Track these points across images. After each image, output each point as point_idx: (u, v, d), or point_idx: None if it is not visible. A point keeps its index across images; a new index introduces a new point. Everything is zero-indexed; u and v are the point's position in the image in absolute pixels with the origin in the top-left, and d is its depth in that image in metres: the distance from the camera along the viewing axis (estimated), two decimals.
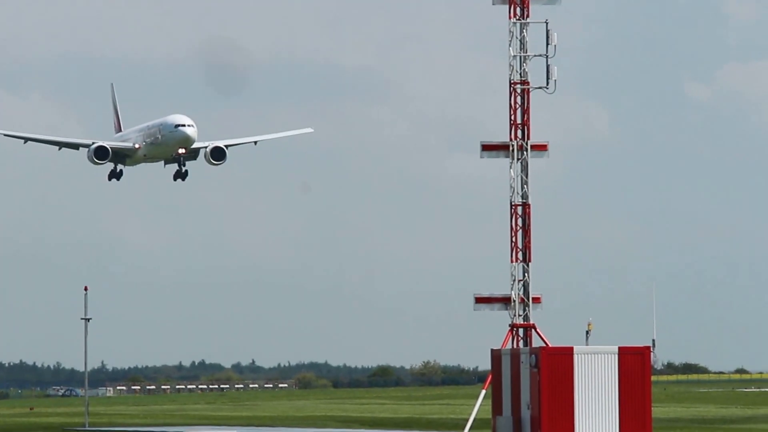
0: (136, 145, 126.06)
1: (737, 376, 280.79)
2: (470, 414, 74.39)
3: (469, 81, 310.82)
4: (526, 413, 66.89)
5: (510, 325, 70.54)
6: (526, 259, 68.80)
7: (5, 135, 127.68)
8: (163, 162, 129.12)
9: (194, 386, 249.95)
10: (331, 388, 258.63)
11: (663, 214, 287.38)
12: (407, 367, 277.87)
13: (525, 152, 67.29)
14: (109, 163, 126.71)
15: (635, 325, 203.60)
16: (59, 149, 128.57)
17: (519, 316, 70.29)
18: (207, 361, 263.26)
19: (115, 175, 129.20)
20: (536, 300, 70.56)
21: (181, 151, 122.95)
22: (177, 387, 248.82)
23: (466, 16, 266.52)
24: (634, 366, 67.04)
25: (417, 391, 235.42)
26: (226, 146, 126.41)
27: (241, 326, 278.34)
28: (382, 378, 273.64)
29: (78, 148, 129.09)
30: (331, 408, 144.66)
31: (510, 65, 67.36)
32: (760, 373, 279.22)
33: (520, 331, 70.60)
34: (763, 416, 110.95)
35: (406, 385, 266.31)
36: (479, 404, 72.94)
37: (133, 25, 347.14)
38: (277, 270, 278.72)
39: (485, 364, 72.00)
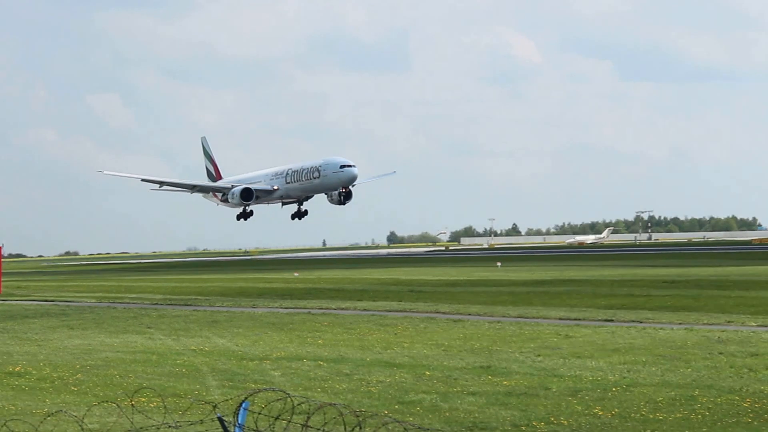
0: (275, 187, 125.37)
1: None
2: None
3: None
4: None
5: None
6: None
7: (143, 180, 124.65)
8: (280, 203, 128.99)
9: None
10: None
11: None
12: None
13: None
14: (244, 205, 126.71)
15: None
16: (191, 193, 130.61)
17: None
18: None
19: (244, 215, 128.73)
20: None
21: (342, 189, 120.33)
22: None
23: None
24: None
25: None
26: None
27: None
28: None
29: (211, 192, 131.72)
30: None
31: None
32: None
33: None
34: None
35: None
36: None
37: None
38: None
39: None
